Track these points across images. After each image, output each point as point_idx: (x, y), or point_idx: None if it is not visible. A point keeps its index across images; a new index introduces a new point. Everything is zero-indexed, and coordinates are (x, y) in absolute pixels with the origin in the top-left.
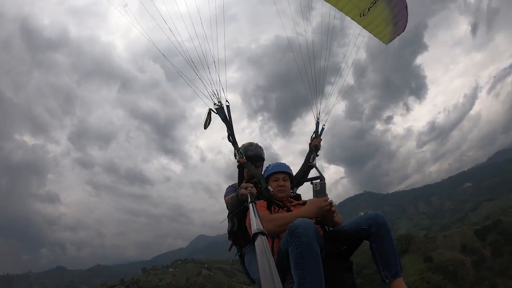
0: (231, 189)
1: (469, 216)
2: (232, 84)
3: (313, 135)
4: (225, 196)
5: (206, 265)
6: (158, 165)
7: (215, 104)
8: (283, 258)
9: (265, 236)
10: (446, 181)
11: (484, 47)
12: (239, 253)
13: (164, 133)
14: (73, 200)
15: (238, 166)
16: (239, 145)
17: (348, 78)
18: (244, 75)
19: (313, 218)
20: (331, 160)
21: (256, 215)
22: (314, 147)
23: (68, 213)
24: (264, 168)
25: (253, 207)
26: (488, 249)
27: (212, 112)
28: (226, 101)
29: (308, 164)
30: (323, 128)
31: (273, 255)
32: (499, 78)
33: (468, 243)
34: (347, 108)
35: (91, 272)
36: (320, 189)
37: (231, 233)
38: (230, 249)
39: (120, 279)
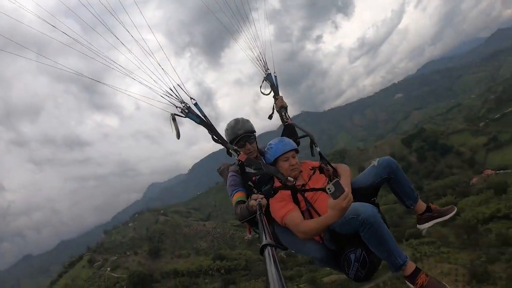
0: (233, 178)
1: (401, 125)
2: (154, 24)
3: (268, 93)
4: (228, 185)
5: (162, 212)
6: (93, 124)
7: (178, 107)
8: (338, 237)
9: (274, 248)
10: (379, 93)
11: None
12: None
13: (92, 90)
14: (18, 184)
15: (238, 165)
16: (222, 127)
17: (272, 1)
18: (166, 12)
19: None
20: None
21: (265, 227)
22: (282, 108)
23: (16, 199)
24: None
25: (261, 219)
26: (414, 155)
27: (176, 117)
28: (192, 98)
29: (287, 124)
30: (275, 77)
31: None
32: None
33: (397, 151)
34: (275, 32)
35: (57, 250)
36: (335, 190)
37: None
38: (250, 233)
39: (86, 247)
